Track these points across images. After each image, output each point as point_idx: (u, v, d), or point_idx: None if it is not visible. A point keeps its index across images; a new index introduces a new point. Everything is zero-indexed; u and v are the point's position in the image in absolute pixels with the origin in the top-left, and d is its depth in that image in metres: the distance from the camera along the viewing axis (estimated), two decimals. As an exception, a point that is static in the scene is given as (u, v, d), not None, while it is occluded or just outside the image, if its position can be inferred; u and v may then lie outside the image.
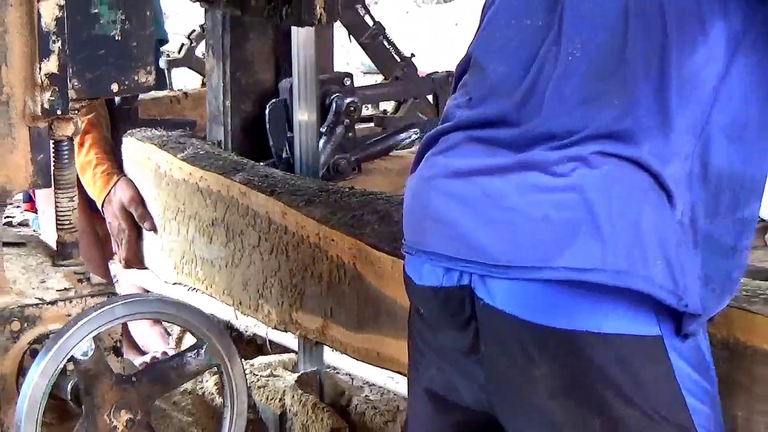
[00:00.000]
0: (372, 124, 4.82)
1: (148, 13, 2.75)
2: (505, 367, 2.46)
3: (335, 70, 4.51)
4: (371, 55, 4.82)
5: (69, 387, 2.68)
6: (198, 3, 4.30)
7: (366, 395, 3.46)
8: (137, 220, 4.03)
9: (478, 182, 2.44)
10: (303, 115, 3.88)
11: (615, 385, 2.39)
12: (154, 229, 4.00)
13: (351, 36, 4.59)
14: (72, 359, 2.64)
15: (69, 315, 2.73)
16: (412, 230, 2.53)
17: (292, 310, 3.51)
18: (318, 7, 3.59)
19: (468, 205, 2.43)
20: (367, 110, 5.01)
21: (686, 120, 2.39)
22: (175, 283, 3.99)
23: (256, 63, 4.35)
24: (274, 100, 4.26)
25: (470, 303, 2.45)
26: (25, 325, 2.75)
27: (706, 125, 2.40)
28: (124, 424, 2.70)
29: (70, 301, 2.79)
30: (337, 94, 4.24)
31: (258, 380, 3.62)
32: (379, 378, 4.25)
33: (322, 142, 4.15)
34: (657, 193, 2.37)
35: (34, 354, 2.69)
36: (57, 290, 2.83)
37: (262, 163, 3.97)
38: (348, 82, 4.31)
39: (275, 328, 3.59)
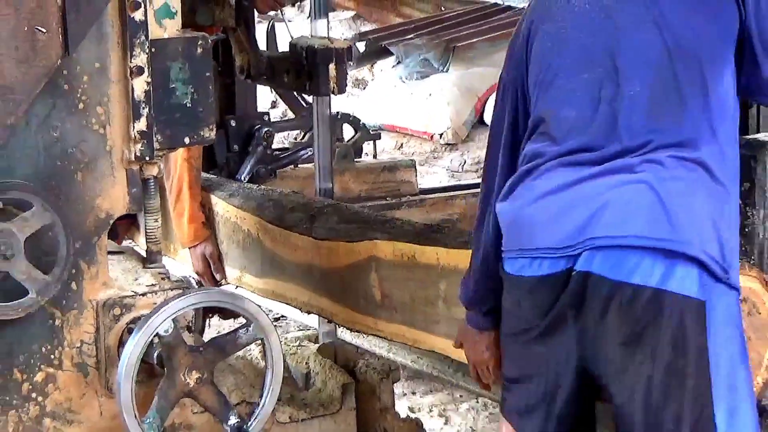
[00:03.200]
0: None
1: (210, 87, 2.74)
2: (590, 321, 2.40)
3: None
4: (286, 101, 4.90)
5: (155, 355, 2.68)
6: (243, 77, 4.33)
7: (367, 359, 3.46)
8: (213, 271, 3.87)
9: (576, 189, 2.42)
10: (322, 160, 3.89)
11: (666, 333, 2.33)
12: (223, 277, 3.90)
13: (272, 89, 4.66)
14: (157, 335, 2.65)
15: (155, 303, 2.73)
16: (520, 239, 2.48)
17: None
18: (331, 83, 3.61)
19: (573, 205, 2.41)
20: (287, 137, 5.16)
21: (725, 131, 2.43)
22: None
23: None
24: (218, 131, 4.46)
25: (567, 281, 2.39)
26: (124, 310, 2.75)
27: (735, 135, 2.45)
28: (195, 380, 2.70)
29: (156, 293, 2.79)
30: (258, 125, 4.48)
31: (290, 349, 3.62)
32: (376, 348, 4.26)
33: (249, 157, 4.31)
34: (714, 187, 2.39)
35: (130, 331, 2.70)
36: (146, 285, 2.83)
37: (210, 173, 4.19)
38: (267, 118, 4.61)
39: None
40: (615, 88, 2.45)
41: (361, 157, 4.93)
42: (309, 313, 3.54)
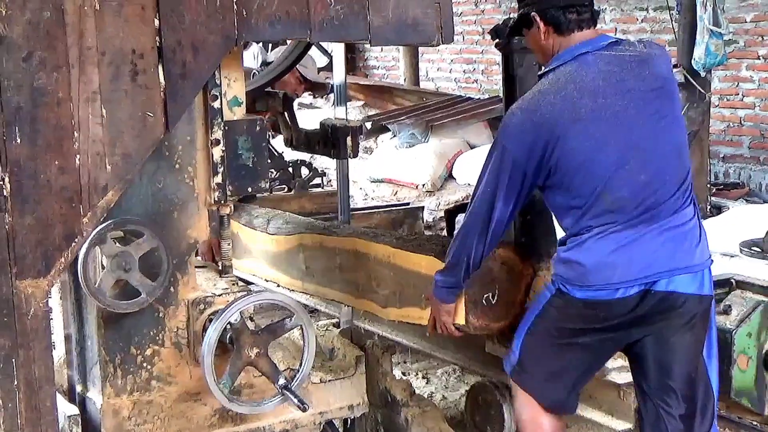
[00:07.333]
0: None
1: (265, 153, 2.73)
2: (659, 319, 2.47)
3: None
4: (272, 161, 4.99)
5: (228, 336, 2.66)
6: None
7: (374, 339, 3.44)
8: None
9: (641, 242, 2.43)
10: (342, 201, 3.88)
11: (706, 318, 2.51)
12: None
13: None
14: (229, 323, 2.64)
15: (228, 301, 2.71)
16: (606, 276, 2.45)
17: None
18: (348, 150, 3.61)
19: (642, 252, 2.43)
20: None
21: None
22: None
23: None
24: None
25: (642, 298, 2.44)
26: (206, 306, 2.74)
27: None
28: (255, 354, 2.68)
29: (228, 295, 2.77)
30: None
31: (320, 332, 3.58)
32: (380, 330, 4.22)
33: None
34: None
35: (211, 320, 2.68)
36: (221, 289, 2.81)
37: None
38: None
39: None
40: (651, 174, 2.43)
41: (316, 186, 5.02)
42: (267, 281, 3.75)
